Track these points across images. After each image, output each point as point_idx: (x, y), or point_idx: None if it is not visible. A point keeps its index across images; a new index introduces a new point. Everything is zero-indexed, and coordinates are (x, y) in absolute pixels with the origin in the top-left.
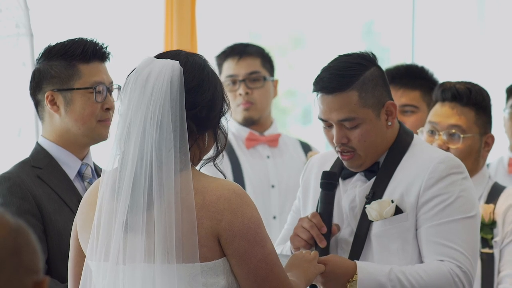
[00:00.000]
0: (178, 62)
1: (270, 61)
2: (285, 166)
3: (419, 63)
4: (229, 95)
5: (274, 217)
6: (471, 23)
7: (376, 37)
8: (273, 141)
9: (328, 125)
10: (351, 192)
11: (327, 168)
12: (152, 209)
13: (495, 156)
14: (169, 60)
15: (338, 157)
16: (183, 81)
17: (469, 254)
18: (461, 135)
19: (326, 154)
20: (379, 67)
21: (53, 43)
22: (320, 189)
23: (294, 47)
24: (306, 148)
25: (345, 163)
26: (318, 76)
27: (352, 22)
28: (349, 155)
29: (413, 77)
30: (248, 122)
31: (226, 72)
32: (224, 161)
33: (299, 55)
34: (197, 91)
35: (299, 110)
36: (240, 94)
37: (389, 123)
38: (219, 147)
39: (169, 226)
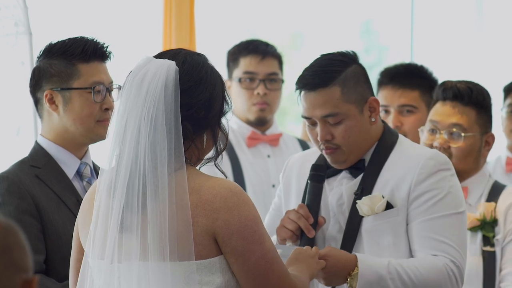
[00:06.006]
0: (174, 62)
1: (282, 64)
2: None
3: (418, 61)
4: (244, 92)
5: None
6: (470, 22)
7: (374, 35)
8: (274, 140)
9: (312, 123)
10: (338, 189)
11: (308, 168)
12: (147, 208)
13: (493, 155)
14: (165, 60)
15: (319, 157)
16: (179, 81)
17: (461, 248)
18: (462, 134)
19: (305, 153)
20: (360, 65)
21: (54, 41)
22: (306, 183)
23: (292, 45)
24: (305, 146)
25: (328, 158)
26: (301, 75)
27: (351, 21)
28: (332, 150)
29: (412, 76)
30: (260, 122)
31: (245, 68)
32: (224, 160)
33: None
34: (193, 91)
35: (297, 109)
36: (258, 94)
37: (373, 119)
38: (219, 148)
39: (163, 225)
